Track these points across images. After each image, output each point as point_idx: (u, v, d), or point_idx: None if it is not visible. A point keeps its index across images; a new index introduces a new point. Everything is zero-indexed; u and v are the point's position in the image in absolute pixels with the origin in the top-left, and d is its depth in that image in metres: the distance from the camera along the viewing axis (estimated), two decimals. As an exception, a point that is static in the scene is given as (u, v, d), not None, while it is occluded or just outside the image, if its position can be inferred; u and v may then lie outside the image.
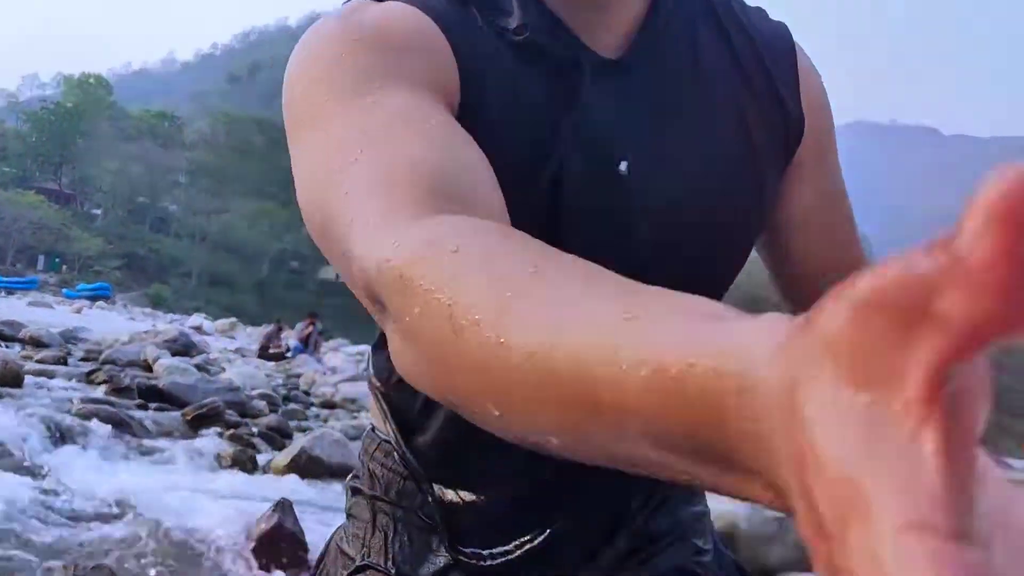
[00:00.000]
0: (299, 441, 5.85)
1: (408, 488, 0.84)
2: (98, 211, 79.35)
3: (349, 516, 0.90)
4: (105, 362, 9.19)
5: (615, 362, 0.30)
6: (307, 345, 15.46)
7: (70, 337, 11.97)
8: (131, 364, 9.12)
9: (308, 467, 5.44)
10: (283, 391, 9.97)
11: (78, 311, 24.59)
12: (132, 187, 78.96)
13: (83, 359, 9.87)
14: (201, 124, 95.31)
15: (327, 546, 0.94)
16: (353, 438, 6.77)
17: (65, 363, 9.22)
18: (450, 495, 0.82)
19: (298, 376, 11.87)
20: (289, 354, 14.81)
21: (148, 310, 40.31)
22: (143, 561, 3.06)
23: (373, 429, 0.90)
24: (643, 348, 0.29)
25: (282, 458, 5.60)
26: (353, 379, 11.94)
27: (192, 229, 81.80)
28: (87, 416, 5.68)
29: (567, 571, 0.82)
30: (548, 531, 0.80)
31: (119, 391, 7.27)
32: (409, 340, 0.44)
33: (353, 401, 9.99)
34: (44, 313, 19.33)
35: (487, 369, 0.37)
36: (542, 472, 0.79)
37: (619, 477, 0.82)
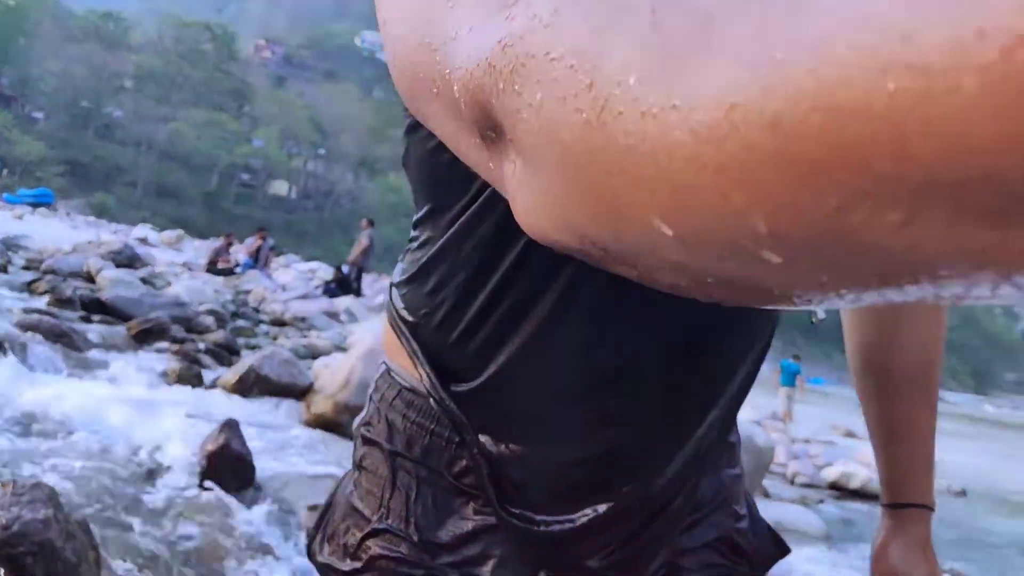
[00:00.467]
0: (248, 359, 5.78)
1: (434, 445, 0.76)
2: (40, 114, 76.69)
3: (360, 468, 0.82)
4: (47, 272, 8.98)
5: (905, 60, 0.17)
6: (257, 260, 15.25)
7: (11, 244, 11.65)
8: (73, 275, 8.92)
9: (256, 385, 5.39)
10: (232, 307, 9.85)
11: (19, 217, 23.90)
12: (76, 91, 76.21)
13: (24, 268, 9.62)
14: (148, 27, 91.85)
15: (333, 498, 0.86)
16: (303, 357, 6.73)
17: (5, 271, 8.99)
18: (501, 448, 0.73)
19: (247, 292, 11.74)
20: (238, 269, 14.61)
21: (91, 219, 39.35)
22: (84, 477, 3.00)
23: (389, 372, 0.81)
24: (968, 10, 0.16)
25: (230, 376, 5.54)
26: (304, 297, 11.86)
27: (138, 137, 79.43)
28: (28, 327, 5.54)
29: (618, 542, 0.75)
30: (614, 500, 0.73)
31: (61, 302, 7.10)
32: (534, 159, 0.30)
33: (303, 320, 9.92)
34: (-17, 219, 18.76)
35: (648, 154, 0.23)
36: (610, 429, 0.71)
37: (689, 437, 0.73)
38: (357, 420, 0.85)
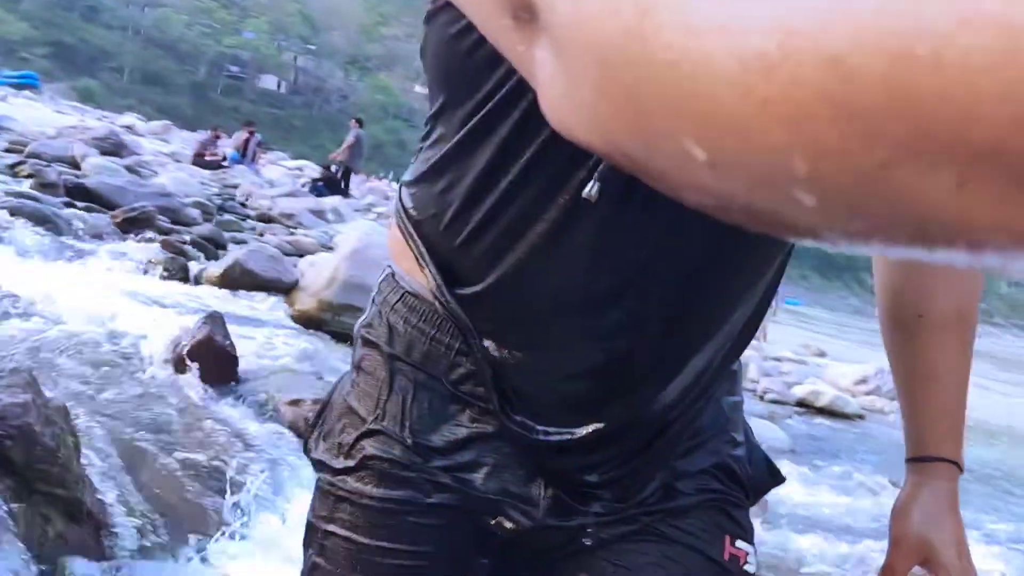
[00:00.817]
0: (233, 253, 5.79)
1: (434, 351, 0.76)
2: (22, -8, 74.34)
3: (359, 369, 0.82)
4: (30, 156, 8.84)
5: (993, 15, 0.15)
6: (244, 155, 15.06)
7: (-7, 126, 11.42)
8: (58, 160, 8.78)
9: (241, 280, 5.41)
10: (218, 201, 9.77)
11: (2, 99, 23.38)
12: (60, -31, 73.84)
13: (6, 150, 9.46)
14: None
15: (331, 397, 0.86)
16: (289, 254, 6.73)
17: (-13, 153, 8.84)
18: (504, 354, 0.72)
19: (235, 187, 11.62)
20: (226, 163, 14.44)
21: (77, 104, 38.49)
22: (65, 364, 3.03)
23: (393, 275, 0.80)
24: None
25: (215, 269, 5.55)
26: (291, 194, 11.77)
27: (124, 21, 77.21)
28: (9, 210, 5.50)
29: (617, 460, 0.75)
30: (614, 416, 0.73)
31: (45, 187, 7.02)
32: (567, 55, 0.27)
33: (290, 217, 9.87)
34: (-36, 98, 18.33)
35: (687, 76, 0.21)
36: (614, 342, 0.70)
37: (691, 358, 0.73)
38: (359, 321, 0.85)
